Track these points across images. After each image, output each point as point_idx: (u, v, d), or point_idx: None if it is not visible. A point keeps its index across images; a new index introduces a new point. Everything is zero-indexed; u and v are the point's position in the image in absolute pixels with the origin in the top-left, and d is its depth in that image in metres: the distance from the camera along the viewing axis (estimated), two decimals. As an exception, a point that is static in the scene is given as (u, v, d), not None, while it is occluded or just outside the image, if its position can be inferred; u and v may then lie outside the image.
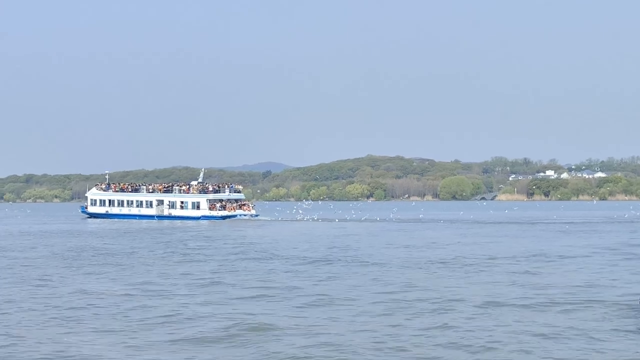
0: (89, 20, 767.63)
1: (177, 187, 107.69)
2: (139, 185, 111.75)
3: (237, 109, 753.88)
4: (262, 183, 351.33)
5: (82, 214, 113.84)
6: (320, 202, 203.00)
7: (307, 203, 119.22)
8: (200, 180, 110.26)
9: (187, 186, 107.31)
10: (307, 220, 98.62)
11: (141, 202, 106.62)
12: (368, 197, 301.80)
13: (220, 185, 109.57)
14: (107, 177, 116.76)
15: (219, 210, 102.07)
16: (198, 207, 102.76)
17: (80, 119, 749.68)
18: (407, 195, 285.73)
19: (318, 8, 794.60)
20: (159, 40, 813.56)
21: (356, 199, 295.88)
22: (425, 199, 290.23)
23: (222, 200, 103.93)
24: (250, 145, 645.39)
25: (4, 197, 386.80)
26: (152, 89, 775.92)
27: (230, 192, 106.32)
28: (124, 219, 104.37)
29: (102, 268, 35.84)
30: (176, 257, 41.98)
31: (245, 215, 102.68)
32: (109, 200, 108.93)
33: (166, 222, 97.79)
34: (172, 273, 33.29)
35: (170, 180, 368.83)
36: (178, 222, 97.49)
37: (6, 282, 30.18)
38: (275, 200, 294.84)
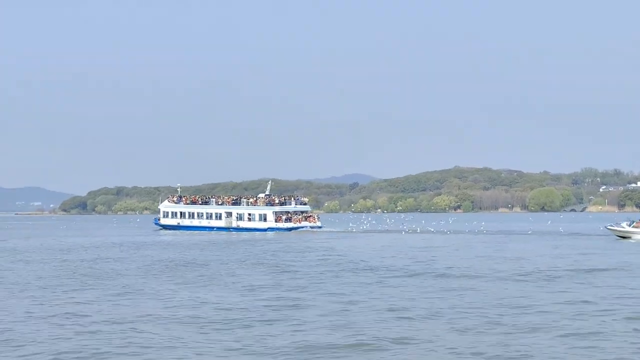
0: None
1: (244, 200, 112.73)
2: (209, 198, 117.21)
3: (325, 121, 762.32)
4: (349, 195, 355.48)
5: (155, 226, 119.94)
6: (402, 215, 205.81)
7: (367, 218, 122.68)
8: (267, 192, 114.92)
9: (255, 198, 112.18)
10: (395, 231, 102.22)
11: (210, 214, 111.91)
12: (455, 209, 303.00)
13: (287, 198, 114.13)
14: (178, 189, 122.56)
15: (285, 222, 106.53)
16: (265, 219, 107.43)
17: (170, 132, 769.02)
18: (495, 207, 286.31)
19: (413, 26, 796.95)
20: (246, 55, 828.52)
21: (444, 210, 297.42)
22: (513, 211, 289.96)
23: (289, 212, 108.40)
24: (337, 158, 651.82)
25: (96, 208, 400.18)
26: (240, 104, 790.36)
27: (296, 204, 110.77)
28: (194, 230, 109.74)
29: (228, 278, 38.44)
30: (282, 269, 43.64)
31: (310, 227, 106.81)
32: (180, 213, 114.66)
33: (234, 233, 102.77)
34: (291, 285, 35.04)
35: (258, 192, 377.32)
36: (245, 233, 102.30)
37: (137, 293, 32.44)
38: (362, 212, 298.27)
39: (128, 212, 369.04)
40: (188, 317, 25.42)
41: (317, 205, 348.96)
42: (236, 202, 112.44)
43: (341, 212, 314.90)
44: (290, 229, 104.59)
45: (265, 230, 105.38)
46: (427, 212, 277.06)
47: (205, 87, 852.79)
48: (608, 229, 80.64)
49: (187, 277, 39.39)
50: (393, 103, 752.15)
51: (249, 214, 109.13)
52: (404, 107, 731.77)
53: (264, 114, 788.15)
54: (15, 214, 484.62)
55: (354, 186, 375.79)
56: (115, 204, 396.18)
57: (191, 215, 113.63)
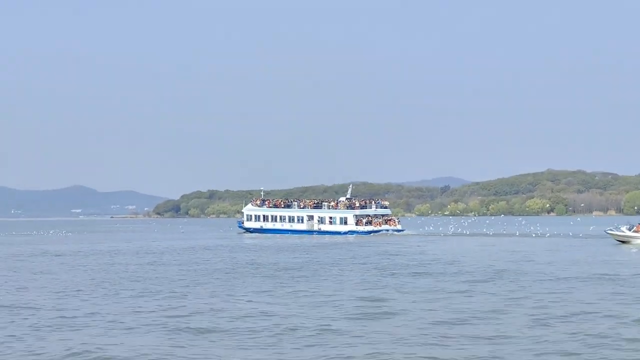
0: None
1: (326, 203, 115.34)
2: (291, 202, 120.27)
3: (415, 124, 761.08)
4: (440, 198, 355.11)
5: (239, 229, 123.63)
6: (493, 217, 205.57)
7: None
8: (348, 196, 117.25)
9: (336, 202, 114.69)
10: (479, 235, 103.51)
11: (293, 217, 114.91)
12: (549, 212, 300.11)
13: (367, 201, 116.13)
14: (262, 193, 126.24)
15: (365, 225, 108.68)
16: (346, 223, 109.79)
17: (260, 137, 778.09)
18: (589, 211, 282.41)
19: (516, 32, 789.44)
20: (349, 60, 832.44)
21: (536, 214, 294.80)
22: (608, 214, 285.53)
23: (369, 216, 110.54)
24: (428, 161, 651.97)
25: (189, 212, 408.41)
26: (333, 108, 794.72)
27: (376, 208, 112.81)
28: (276, 233, 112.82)
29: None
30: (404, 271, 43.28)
31: (391, 230, 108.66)
32: (263, 216, 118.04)
33: (316, 236, 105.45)
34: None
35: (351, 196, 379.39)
36: (326, 236, 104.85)
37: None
38: (454, 215, 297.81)
39: (220, 216, 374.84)
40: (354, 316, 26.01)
41: (407, 208, 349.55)
42: (318, 206, 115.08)
43: (432, 215, 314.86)
44: (370, 232, 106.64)
45: (345, 233, 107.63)
46: (520, 215, 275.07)
47: (315, 92, 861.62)
48: (607, 233, 78.76)
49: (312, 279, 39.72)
50: (486, 105, 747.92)
51: (330, 217, 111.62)
52: (497, 110, 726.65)
53: (355, 116, 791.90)
54: (111, 217, 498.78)
55: (445, 189, 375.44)
56: (208, 207, 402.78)
57: (274, 219, 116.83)
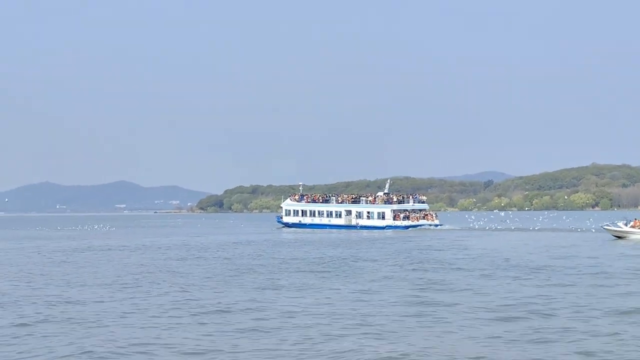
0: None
1: (364, 198, 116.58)
2: (329, 196, 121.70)
3: (460, 118, 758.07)
4: (483, 193, 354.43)
5: (278, 224, 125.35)
6: (533, 213, 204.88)
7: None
8: (386, 191, 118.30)
9: (374, 197, 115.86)
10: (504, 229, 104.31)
11: (331, 212, 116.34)
12: (593, 207, 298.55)
13: (405, 196, 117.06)
14: (301, 188, 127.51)
15: (403, 220, 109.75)
16: (383, 217, 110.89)
17: (304, 132, 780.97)
18: (634, 205, 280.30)
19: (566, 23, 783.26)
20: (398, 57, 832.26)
21: (581, 208, 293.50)
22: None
23: (407, 210, 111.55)
24: (471, 155, 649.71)
25: (232, 207, 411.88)
26: (376, 104, 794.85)
27: (414, 203, 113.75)
28: (315, 228, 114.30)
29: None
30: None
31: (428, 224, 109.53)
32: (302, 211, 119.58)
33: (354, 231, 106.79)
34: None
35: (391, 190, 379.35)
36: (364, 231, 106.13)
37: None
38: (497, 210, 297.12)
39: (263, 210, 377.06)
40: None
41: (450, 203, 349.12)
42: (356, 201, 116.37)
43: (475, 210, 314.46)
44: (407, 227, 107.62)
45: (383, 228, 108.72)
46: (564, 209, 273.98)
47: (359, 88, 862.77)
48: (604, 228, 79.02)
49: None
50: (529, 99, 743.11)
51: (368, 212, 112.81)
52: (539, 104, 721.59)
53: (398, 113, 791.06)
54: (154, 212, 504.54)
55: (488, 184, 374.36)
56: (251, 202, 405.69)
57: (312, 214, 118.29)
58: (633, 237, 73.39)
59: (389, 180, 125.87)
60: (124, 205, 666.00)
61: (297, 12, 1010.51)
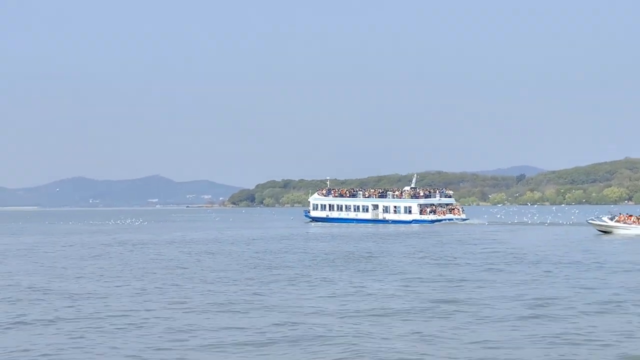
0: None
1: (390, 193, 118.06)
2: (356, 191, 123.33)
3: (492, 113, 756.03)
4: (515, 187, 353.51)
5: (306, 218, 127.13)
6: (564, 207, 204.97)
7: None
8: (413, 185, 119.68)
9: (400, 191, 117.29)
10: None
11: (358, 206, 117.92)
12: (627, 201, 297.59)
13: (432, 191, 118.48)
14: (328, 182, 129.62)
15: (429, 214, 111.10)
16: (410, 212, 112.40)
17: (335, 126, 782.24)
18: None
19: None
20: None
21: (614, 202, 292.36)
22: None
23: (433, 205, 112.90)
24: (504, 149, 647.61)
25: (264, 201, 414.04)
26: (408, 97, 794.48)
27: (440, 197, 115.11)
28: (342, 222, 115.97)
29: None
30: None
31: (455, 219, 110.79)
32: (329, 205, 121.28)
33: (381, 225, 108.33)
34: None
35: (423, 184, 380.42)
36: (391, 225, 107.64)
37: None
38: (529, 204, 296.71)
39: (295, 205, 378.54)
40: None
41: (482, 197, 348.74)
42: (382, 195, 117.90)
43: (507, 204, 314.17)
44: (434, 221, 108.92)
45: (410, 222, 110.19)
46: (597, 204, 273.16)
47: (390, 81, 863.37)
48: (589, 222, 78.01)
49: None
50: (561, 93, 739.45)
51: (395, 207, 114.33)
52: (572, 97, 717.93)
53: (429, 107, 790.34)
54: (187, 206, 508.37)
55: (520, 178, 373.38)
56: (282, 196, 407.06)
57: (339, 208, 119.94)
58: (619, 231, 72.52)
59: (416, 175, 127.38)
60: (156, 200, 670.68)
61: (334, 4, 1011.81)
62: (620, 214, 76.47)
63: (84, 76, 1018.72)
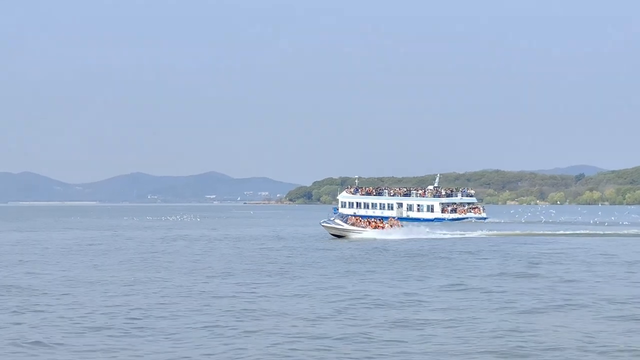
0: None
1: (414, 192, 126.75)
2: (382, 189, 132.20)
3: (549, 112, 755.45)
4: (574, 187, 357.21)
5: (335, 215, 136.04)
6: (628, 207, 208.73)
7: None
8: (436, 185, 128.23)
9: (424, 190, 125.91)
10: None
11: (384, 204, 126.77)
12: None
13: (453, 190, 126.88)
14: (356, 181, 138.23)
15: (450, 212, 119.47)
16: (432, 210, 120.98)
17: (393, 124, 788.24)
18: None
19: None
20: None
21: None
22: None
23: (454, 204, 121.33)
24: (563, 148, 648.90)
25: (321, 198, 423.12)
26: (467, 96, 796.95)
27: (462, 196, 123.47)
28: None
29: None
30: None
31: (475, 218, 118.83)
32: (357, 203, 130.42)
33: (404, 223, 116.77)
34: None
35: (481, 183, 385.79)
36: (414, 223, 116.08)
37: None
38: (588, 204, 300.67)
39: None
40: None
41: (541, 196, 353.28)
42: (407, 194, 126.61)
43: (567, 203, 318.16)
44: (455, 220, 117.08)
45: (432, 220, 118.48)
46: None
47: (448, 80, 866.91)
48: (322, 225, 72.54)
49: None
50: (620, 92, 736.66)
51: (418, 205, 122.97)
52: (632, 95, 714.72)
53: (488, 106, 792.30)
54: (244, 203, 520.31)
55: (579, 177, 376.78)
56: (339, 193, 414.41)
57: (366, 206, 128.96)
58: (353, 235, 68.23)
59: (438, 175, 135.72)
60: (214, 196, 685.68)
61: (389, 8, 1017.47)
62: (350, 216, 74.01)
63: (141, 74, 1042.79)
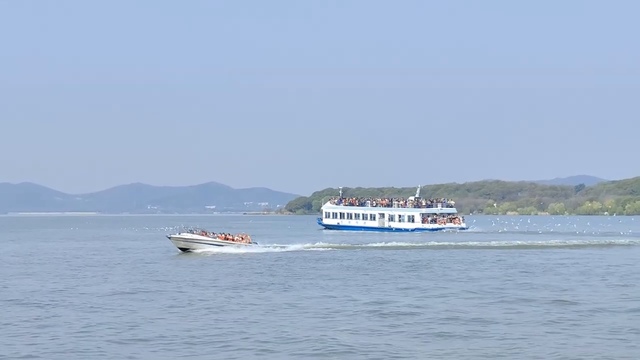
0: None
1: (395, 202, 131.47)
2: (365, 200, 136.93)
3: (549, 122, 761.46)
4: (574, 197, 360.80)
5: (319, 225, 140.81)
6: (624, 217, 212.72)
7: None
8: (417, 195, 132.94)
9: (404, 201, 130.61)
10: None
11: (366, 215, 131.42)
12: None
13: (433, 201, 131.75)
14: (340, 192, 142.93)
15: (430, 223, 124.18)
16: (412, 220, 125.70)
17: (394, 136, 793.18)
18: None
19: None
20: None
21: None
22: None
23: (435, 214, 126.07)
24: (562, 159, 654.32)
25: (320, 208, 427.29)
26: (465, 106, 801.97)
27: (442, 207, 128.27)
28: (351, 230, 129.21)
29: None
30: None
31: (454, 228, 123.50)
32: (340, 213, 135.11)
33: (386, 233, 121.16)
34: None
35: (481, 193, 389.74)
36: (396, 233, 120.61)
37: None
38: (588, 215, 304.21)
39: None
40: None
41: (541, 207, 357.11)
42: (389, 205, 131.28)
43: (566, 214, 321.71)
44: (434, 230, 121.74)
45: (412, 230, 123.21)
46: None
47: (447, 89, 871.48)
48: (169, 238, 70.15)
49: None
50: (621, 102, 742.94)
51: (399, 215, 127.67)
52: (632, 107, 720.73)
53: (488, 116, 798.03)
54: (244, 213, 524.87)
55: (579, 188, 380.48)
56: (324, 204, 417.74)
57: (349, 216, 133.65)
58: (200, 248, 66.48)
59: (419, 186, 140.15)
60: (214, 207, 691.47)
61: (400, 17, 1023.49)
62: (195, 230, 70.03)
63: (141, 86, 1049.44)
